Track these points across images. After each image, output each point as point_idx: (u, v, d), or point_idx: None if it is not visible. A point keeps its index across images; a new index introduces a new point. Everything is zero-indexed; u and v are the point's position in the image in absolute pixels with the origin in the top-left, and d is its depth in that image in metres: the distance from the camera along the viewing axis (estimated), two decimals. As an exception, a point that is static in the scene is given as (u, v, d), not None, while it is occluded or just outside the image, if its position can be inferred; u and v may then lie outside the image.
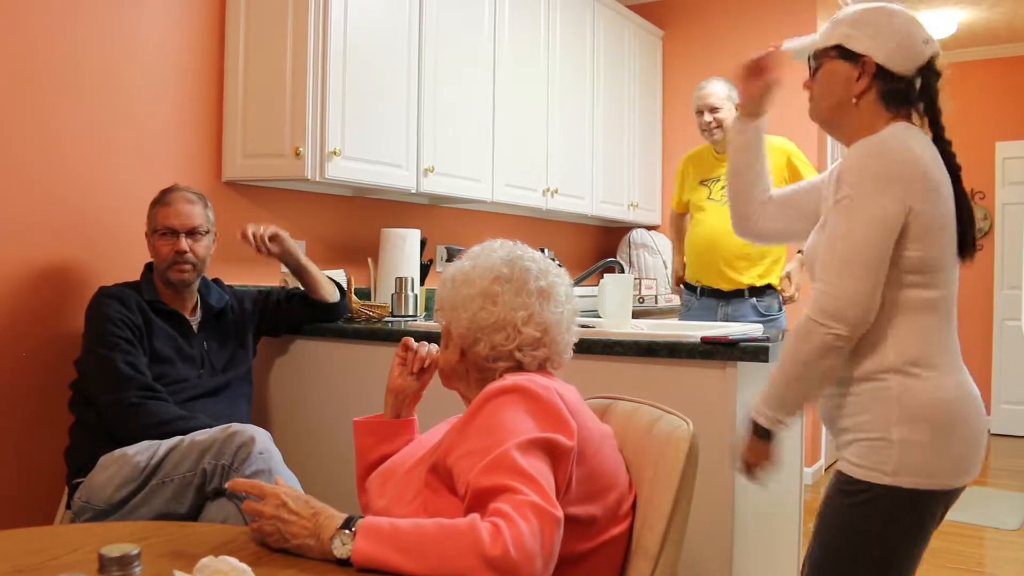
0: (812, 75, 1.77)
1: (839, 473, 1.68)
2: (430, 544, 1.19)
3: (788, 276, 3.70)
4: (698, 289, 3.81)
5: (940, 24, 5.90)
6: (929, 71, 1.69)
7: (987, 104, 6.50)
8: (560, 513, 1.23)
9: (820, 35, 1.76)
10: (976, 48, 6.63)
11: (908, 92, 1.69)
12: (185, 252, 2.45)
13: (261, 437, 2.12)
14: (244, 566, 1.05)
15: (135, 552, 0.87)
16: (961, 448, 1.61)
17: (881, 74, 1.67)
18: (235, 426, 2.14)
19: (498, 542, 1.15)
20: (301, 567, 1.24)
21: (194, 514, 2.12)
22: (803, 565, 1.74)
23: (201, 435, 2.15)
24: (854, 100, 1.69)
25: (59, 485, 2.47)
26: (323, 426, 2.83)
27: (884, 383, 1.61)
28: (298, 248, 2.75)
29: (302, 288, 2.82)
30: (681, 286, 3.97)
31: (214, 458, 2.09)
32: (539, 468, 1.28)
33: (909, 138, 1.63)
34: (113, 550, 0.87)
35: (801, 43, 1.80)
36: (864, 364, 1.64)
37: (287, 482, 2.05)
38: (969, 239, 1.68)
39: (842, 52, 1.70)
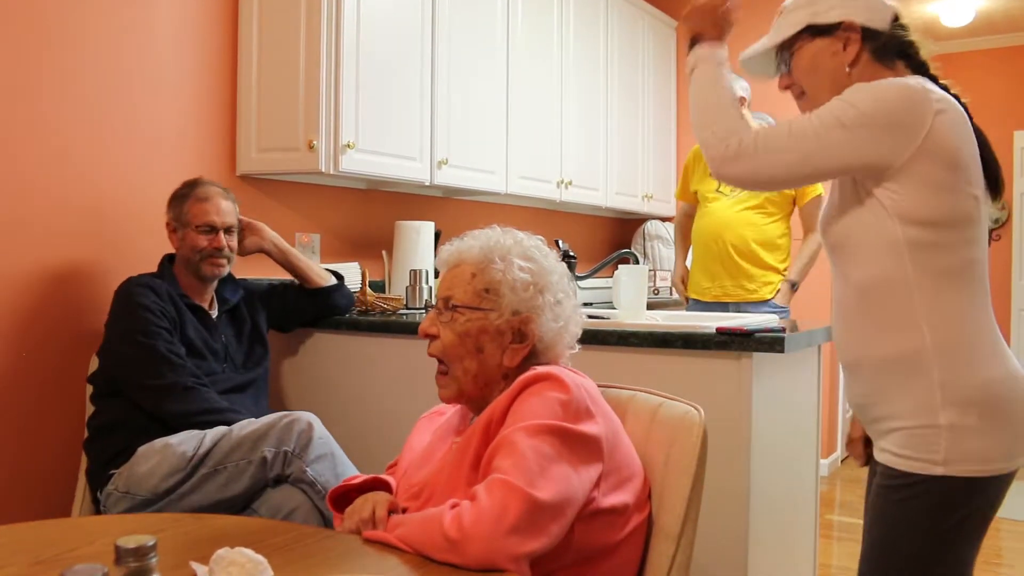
0: (787, 71, 1.68)
1: (881, 467, 1.56)
2: (415, 529, 1.27)
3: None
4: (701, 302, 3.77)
5: (957, 12, 5.84)
6: (899, 25, 1.62)
7: (1005, 93, 6.43)
8: (539, 493, 1.24)
9: (774, 31, 1.68)
10: (994, 36, 6.56)
11: (894, 45, 1.61)
12: (223, 248, 2.50)
13: (317, 423, 2.19)
14: (260, 557, 1.05)
15: (151, 543, 0.87)
16: (1013, 428, 1.50)
17: (867, 34, 1.60)
18: (292, 414, 2.20)
19: (455, 522, 1.22)
20: (316, 558, 1.25)
21: (248, 501, 2.16)
22: (859, 565, 1.63)
23: (253, 424, 2.20)
24: (847, 70, 1.60)
25: (70, 477, 2.49)
26: (339, 418, 2.83)
27: (922, 365, 1.49)
28: (279, 237, 2.77)
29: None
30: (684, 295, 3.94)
31: (275, 445, 2.13)
32: (540, 449, 1.30)
33: (931, 85, 1.52)
34: (129, 541, 0.87)
35: (757, 48, 1.71)
36: (896, 344, 1.52)
37: (345, 464, 2.17)
38: (995, 176, 1.57)
39: (815, 31, 1.62)
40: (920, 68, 1.62)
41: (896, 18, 1.63)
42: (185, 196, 2.52)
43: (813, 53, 1.63)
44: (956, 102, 1.55)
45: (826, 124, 1.51)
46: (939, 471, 1.48)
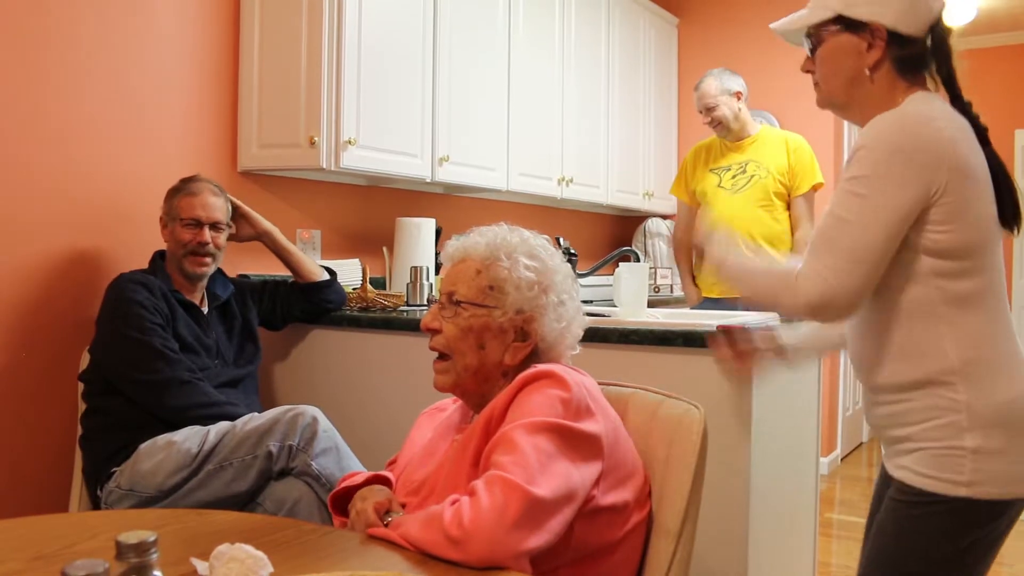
0: (811, 54, 1.62)
1: (899, 483, 1.53)
2: (417, 527, 1.26)
3: None
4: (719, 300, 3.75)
5: (959, 10, 5.83)
6: (939, 27, 1.54)
7: (1007, 92, 6.43)
8: (539, 490, 1.24)
9: (810, 9, 1.61)
10: (996, 35, 6.55)
11: (923, 55, 1.55)
12: (207, 243, 2.49)
13: (321, 417, 2.21)
14: (260, 554, 1.05)
15: (152, 539, 0.87)
16: None
17: (893, 40, 1.52)
18: (296, 408, 2.21)
19: (455, 519, 1.22)
20: (317, 554, 1.25)
21: (253, 495, 2.17)
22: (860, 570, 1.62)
23: (257, 419, 2.21)
24: (868, 72, 1.54)
25: (66, 475, 2.49)
26: (339, 415, 2.83)
27: (949, 387, 1.47)
28: (273, 227, 2.77)
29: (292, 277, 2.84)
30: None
31: (280, 440, 2.15)
32: (540, 447, 1.30)
33: (933, 111, 1.48)
34: (130, 537, 0.87)
35: (788, 21, 1.64)
36: (922, 368, 1.50)
37: (349, 457, 2.20)
38: (1010, 207, 1.53)
39: (845, 23, 1.55)
40: (949, 75, 1.56)
41: (938, 22, 1.56)
42: (177, 191, 2.53)
43: (837, 48, 1.57)
44: (966, 122, 1.52)
45: (854, 216, 1.46)
46: (963, 492, 1.46)
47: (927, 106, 1.50)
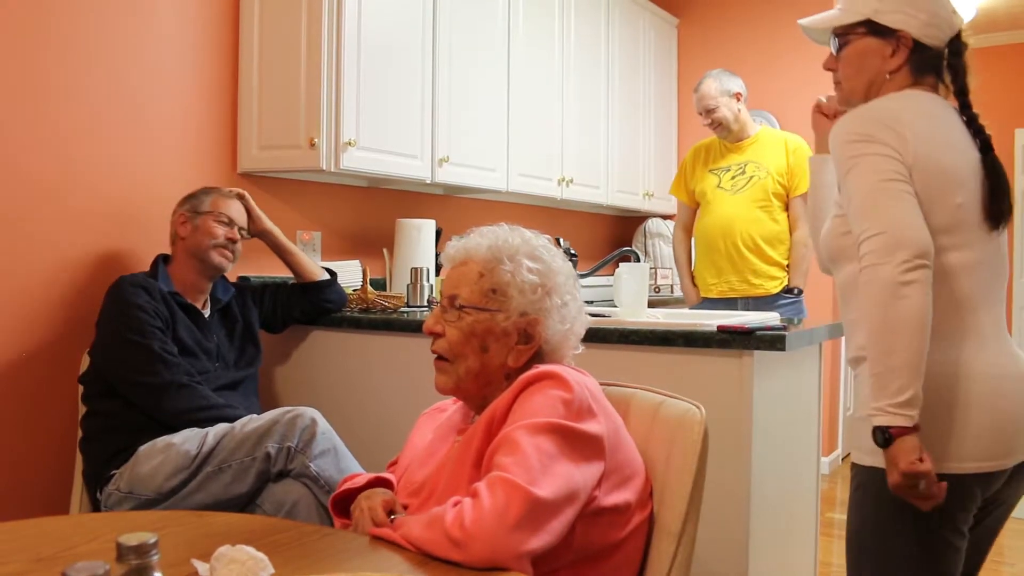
0: (836, 53, 1.68)
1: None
2: (419, 529, 1.26)
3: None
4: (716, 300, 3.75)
5: (959, 10, 5.84)
6: (957, 42, 1.63)
7: (1007, 91, 6.43)
8: (540, 491, 1.24)
9: (840, 10, 1.67)
10: (996, 34, 6.56)
11: (937, 62, 1.63)
12: (237, 240, 2.59)
13: (320, 418, 2.21)
14: (261, 555, 1.05)
15: (152, 540, 0.87)
16: (948, 429, 1.47)
17: (916, 48, 1.60)
18: (295, 409, 2.21)
19: (456, 521, 1.22)
20: (318, 555, 1.25)
21: (252, 497, 2.17)
22: None
23: (256, 420, 2.21)
24: (888, 76, 1.62)
25: (67, 478, 2.49)
26: (340, 416, 2.83)
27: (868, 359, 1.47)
28: (275, 228, 2.79)
29: (293, 278, 2.86)
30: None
31: (278, 441, 2.15)
32: (542, 447, 1.30)
33: (893, 102, 1.56)
34: (131, 539, 0.87)
35: (818, 20, 1.70)
36: (856, 341, 1.56)
37: (347, 459, 2.20)
38: (1002, 205, 1.54)
39: (872, 28, 1.62)
40: (961, 87, 1.62)
41: (957, 37, 1.63)
42: (207, 192, 2.61)
43: (863, 50, 1.64)
44: (947, 117, 1.57)
45: (849, 192, 1.51)
46: (867, 461, 1.54)
47: (892, 100, 1.57)
